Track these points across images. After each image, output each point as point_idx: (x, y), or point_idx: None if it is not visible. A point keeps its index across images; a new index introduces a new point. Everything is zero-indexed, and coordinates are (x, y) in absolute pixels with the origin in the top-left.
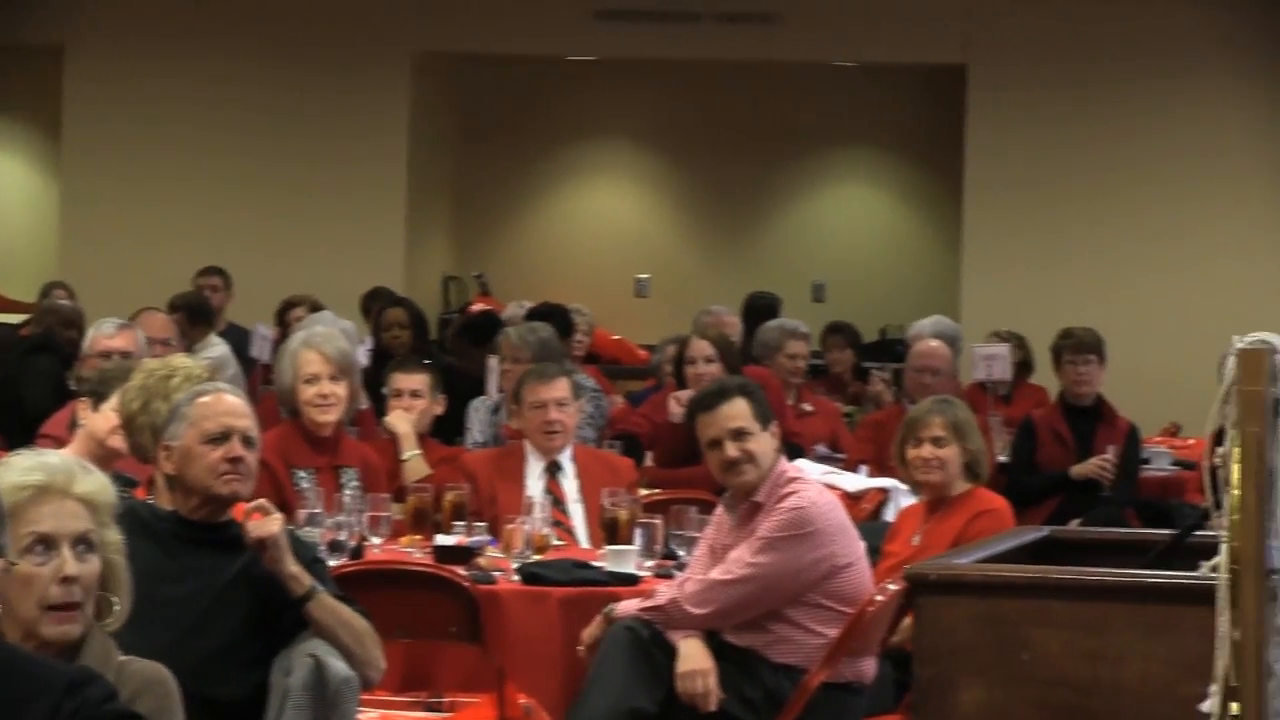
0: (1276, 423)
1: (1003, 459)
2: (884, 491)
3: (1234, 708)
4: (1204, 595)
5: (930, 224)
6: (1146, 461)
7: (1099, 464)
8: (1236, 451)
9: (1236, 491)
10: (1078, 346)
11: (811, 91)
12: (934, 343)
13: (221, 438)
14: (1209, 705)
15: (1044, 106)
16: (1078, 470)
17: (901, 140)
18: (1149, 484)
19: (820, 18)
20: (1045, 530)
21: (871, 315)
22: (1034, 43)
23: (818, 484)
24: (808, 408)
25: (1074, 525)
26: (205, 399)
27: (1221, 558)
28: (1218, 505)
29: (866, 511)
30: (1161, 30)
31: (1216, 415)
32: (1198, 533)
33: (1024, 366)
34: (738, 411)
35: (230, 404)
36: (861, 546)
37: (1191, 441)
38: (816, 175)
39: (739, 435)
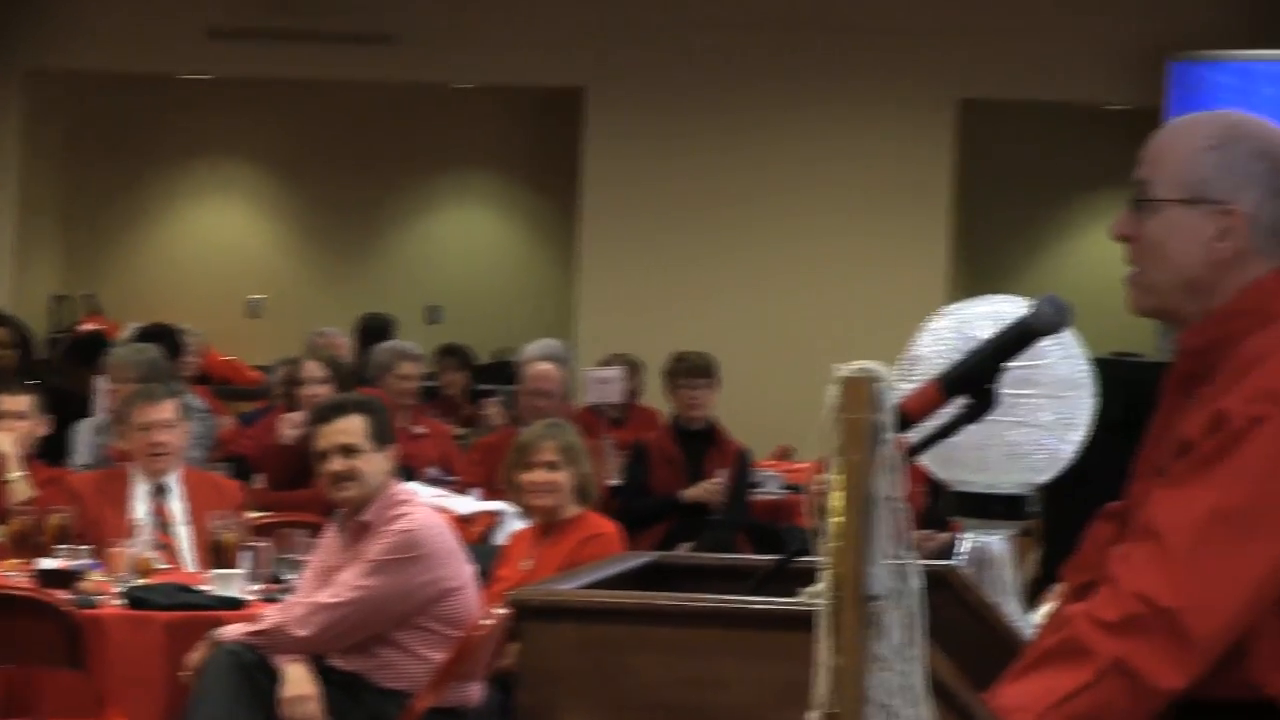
0: (878, 449)
1: (615, 482)
2: (495, 515)
3: None
4: (806, 621)
5: (547, 247)
6: (757, 485)
7: (709, 487)
8: (838, 478)
9: (838, 518)
10: (690, 370)
11: (430, 113)
12: (546, 365)
13: None
14: None
15: (662, 132)
16: (689, 494)
17: (519, 163)
18: (760, 507)
19: (439, 39)
20: (652, 555)
21: (486, 338)
22: (653, 69)
23: (427, 507)
24: (420, 430)
25: (684, 549)
26: None
27: (823, 584)
28: (821, 531)
29: (477, 534)
30: (776, 61)
31: (820, 442)
32: (803, 558)
33: (637, 390)
34: (351, 427)
35: None
36: (470, 570)
37: (802, 465)
38: (433, 197)
39: (347, 451)
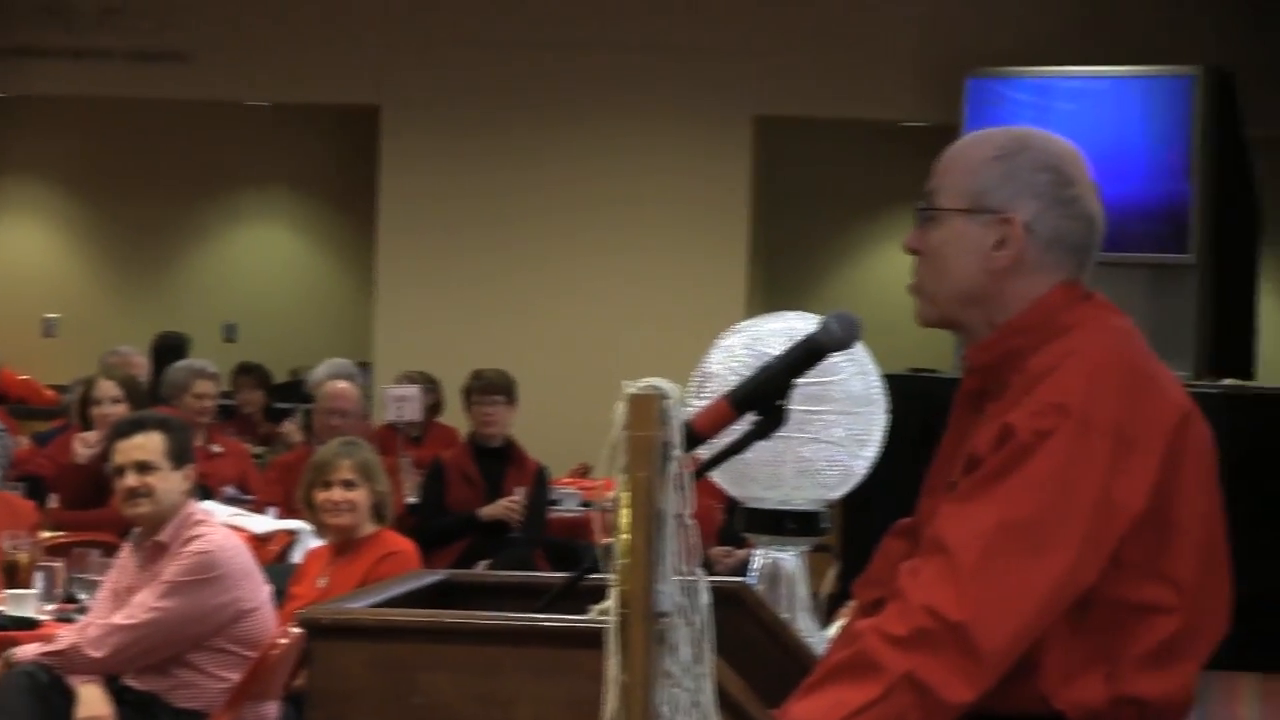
0: (665, 467)
1: (412, 500)
2: (291, 533)
3: None
4: (595, 638)
5: (344, 265)
6: (556, 503)
7: (507, 505)
8: (626, 496)
9: (626, 536)
10: (486, 388)
11: (225, 131)
12: (342, 384)
13: None
14: None
15: (458, 151)
16: (486, 511)
17: (316, 181)
18: (558, 525)
19: (234, 57)
20: (444, 573)
21: (284, 356)
22: (448, 87)
23: (224, 527)
24: (217, 449)
25: (482, 566)
26: None
27: (611, 601)
28: (611, 549)
29: (274, 553)
30: (571, 79)
31: (609, 460)
32: (594, 575)
33: (435, 407)
34: (149, 444)
35: None
36: (267, 590)
37: (600, 483)
38: (230, 215)
39: (142, 467)
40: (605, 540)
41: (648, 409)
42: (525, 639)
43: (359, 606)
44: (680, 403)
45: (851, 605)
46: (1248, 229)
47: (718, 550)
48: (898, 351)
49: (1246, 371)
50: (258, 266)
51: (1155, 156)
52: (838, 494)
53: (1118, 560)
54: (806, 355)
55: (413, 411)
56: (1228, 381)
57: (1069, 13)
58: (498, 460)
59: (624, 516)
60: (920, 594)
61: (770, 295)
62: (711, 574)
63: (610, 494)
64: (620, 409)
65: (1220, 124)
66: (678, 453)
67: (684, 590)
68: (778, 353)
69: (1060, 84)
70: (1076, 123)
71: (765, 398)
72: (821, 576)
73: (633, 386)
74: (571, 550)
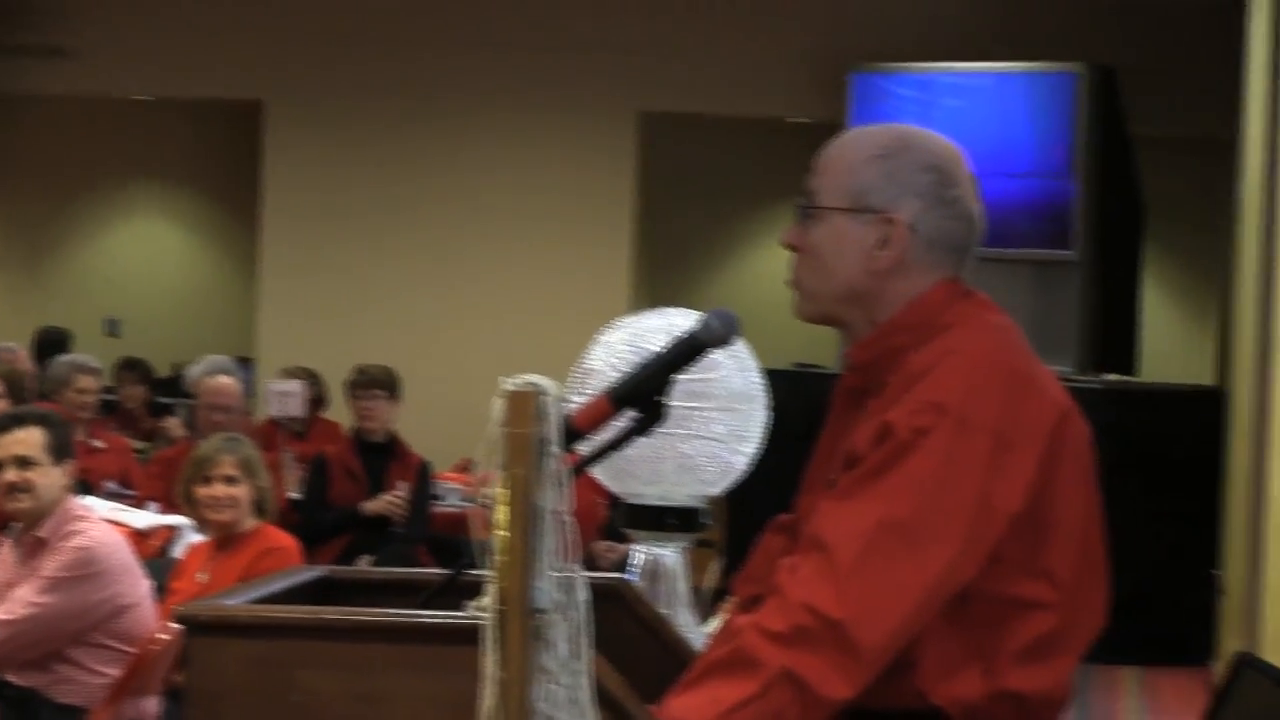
0: (543, 463)
1: (295, 495)
2: (173, 528)
3: None
4: (473, 635)
5: (228, 259)
6: (439, 498)
7: (390, 500)
8: (503, 492)
9: (504, 532)
10: (368, 382)
11: (108, 125)
12: (224, 379)
13: None
14: None
15: (341, 144)
16: (369, 506)
17: (200, 175)
18: (441, 520)
19: (116, 51)
20: (323, 569)
21: (166, 351)
22: (331, 82)
23: (104, 523)
24: (98, 444)
25: (365, 562)
26: None
27: (489, 598)
28: (489, 545)
29: (155, 548)
30: (455, 74)
31: (487, 456)
32: (473, 572)
33: (319, 402)
34: (29, 439)
35: None
36: (147, 586)
37: (483, 478)
38: (113, 209)
39: (22, 463)
40: (484, 536)
41: (525, 405)
42: (403, 636)
43: (237, 603)
44: (559, 399)
45: (731, 601)
46: (1131, 226)
47: (601, 545)
48: (782, 347)
49: (1129, 367)
50: (141, 261)
51: (1039, 153)
52: (718, 490)
53: (996, 557)
54: (687, 351)
55: (295, 406)
56: (1110, 377)
57: (953, 9)
58: (381, 455)
59: (502, 513)
60: (799, 591)
61: (655, 290)
62: (594, 569)
63: (488, 490)
64: (498, 405)
65: (1104, 121)
66: (556, 449)
67: (562, 587)
68: (658, 349)
69: (944, 80)
70: (961, 119)
71: (645, 394)
72: (703, 572)
73: (510, 383)
74: (455, 546)
